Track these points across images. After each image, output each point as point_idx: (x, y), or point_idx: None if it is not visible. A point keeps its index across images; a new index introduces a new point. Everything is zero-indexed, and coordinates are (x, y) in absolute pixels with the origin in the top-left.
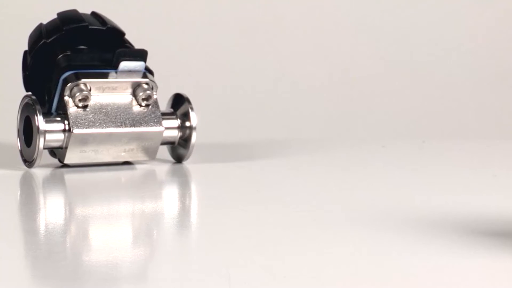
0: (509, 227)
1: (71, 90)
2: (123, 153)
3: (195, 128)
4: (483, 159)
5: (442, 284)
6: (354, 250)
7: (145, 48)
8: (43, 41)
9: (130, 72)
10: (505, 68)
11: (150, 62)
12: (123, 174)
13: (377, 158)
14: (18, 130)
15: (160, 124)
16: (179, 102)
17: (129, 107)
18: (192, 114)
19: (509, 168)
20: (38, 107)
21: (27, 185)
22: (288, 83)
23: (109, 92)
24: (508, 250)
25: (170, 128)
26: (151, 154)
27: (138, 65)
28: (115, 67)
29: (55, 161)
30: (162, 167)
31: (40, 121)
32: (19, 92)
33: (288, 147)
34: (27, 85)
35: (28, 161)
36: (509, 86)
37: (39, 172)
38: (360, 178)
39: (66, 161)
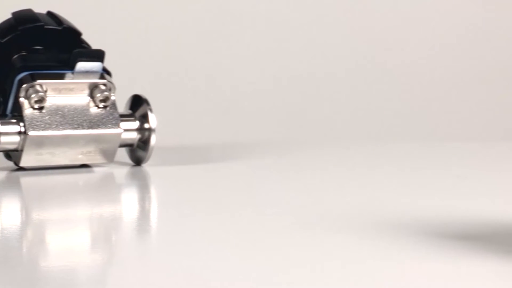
0: (479, 229)
1: (26, 91)
2: (80, 156)
3: (154, 130)
4: (448, 160)
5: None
6: (322, 253)
7: (102, 49)
8: None
9: (87, 73)
10: (479, 69)
11: (108, 63)
12: (80, 177)
13: (343, 160)
14: None
15: (118, 126)
16: (137, 103)
17: (86, 108)
18: (151, 116)
19: (472, 169)
20: None
21: None
22: (248, 85)
23: (65, 93)
24: (477, 252)
25: (128, 130)
26: (109, 156)
27: (95, 65)
28: (71, 67)
29: (11, 164)
30: (121, 170)
31: None
32: None
33: (248, 150)
34: None
35: None
36: (476, 88)
37: None
38: (326, 180)
39: (21, 164)
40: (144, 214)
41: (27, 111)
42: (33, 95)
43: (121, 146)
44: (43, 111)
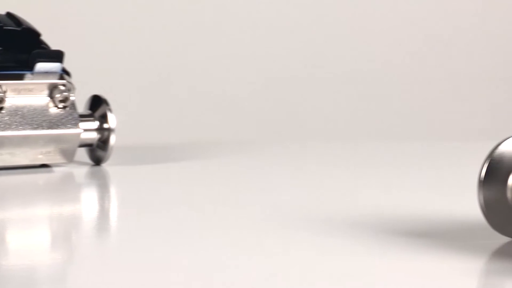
0: (433, 226)
1: None
2: (40, 156)
3: (113, 130)
4: (408, 159)
5: (368, 285)
6: (272, 251)
7: (62, 49)
8: None
9: (46, 73)
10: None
11: (67, 63)
12: (40, 177)
13: (298, 158)
14: None
15: (78, 126)
16: (97, 103)
17: (45, 109)
18: (110, 116)
19: (420, 168)
20: None
21: None
22: (206, 86)
23: (25, 93)
24: (433, 249)
25: (88, 130)
26: (68, 156)
27: (54, 66)
28: (31, 68)
29: None
30: (81, 170)
31: None
32: None
33: (207, 149)
34: None
35: None
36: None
37: None
38: (280, 179)
39: None
40: (103, 213)
41: None
42: None
43: (81, 146)
44: (3, 111)
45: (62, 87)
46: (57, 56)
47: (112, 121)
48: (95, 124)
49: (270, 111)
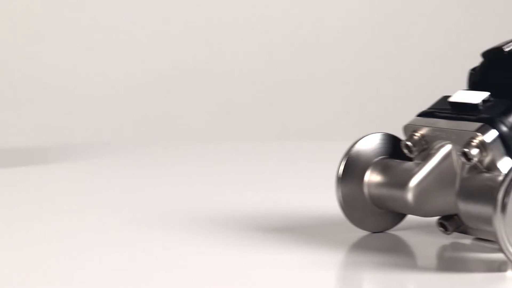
0: (294, 222)
1: None
2: None
3: None
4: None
5: (231, 279)
6: (136, 250)
7: None
8: None
9: None
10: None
11: None
12: None
13: (160, 161)
14: None
15: None
16: None
17: None
18: None
19: (282, 167)
20: None
21: None
22: (91, 86)
23: None
24: (294, 244)
25: None
26: None
27: None
28: None
29: None
30: None
31: None
32: None
33: (83, 151)
34: None
35: None
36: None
37: None
38: (149, 179)
39: None
40: None
41: None
42: None
43: None
44: None
45: None
46: None
47: None
48: None
49: (140, 111)
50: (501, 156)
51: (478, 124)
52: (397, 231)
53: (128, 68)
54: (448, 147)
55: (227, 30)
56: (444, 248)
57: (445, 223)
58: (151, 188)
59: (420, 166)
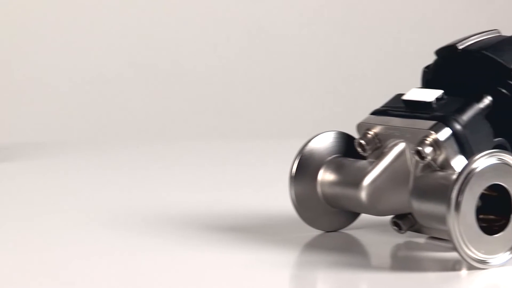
0: (248, 221)
1: None
2: None
3: None
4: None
5: (185, 279)
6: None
7: None
8: None
9: None
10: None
11: None
12: None
13: (99, 162)
14: None
15: None
16: None
17: None
18: None
19: (230, 166)
20: None
21: None
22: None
23: None
24: (248, 243)
25: None
26: None
27: None
28: None
29: None
30: None
31: None
32: None
33: (32, 150)
34: None
35: None
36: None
37: None
38: (93, 180)
39: None
40: None
41: None
42: None
43: None
44: None
45: None
46: None
47: None
48: None
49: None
50: (455, 154)
51: (431, 122)
52: (351, 230)
53: (93, 65)
54: (401, 146)
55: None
56: (398, 247)
57: (399, 222)
58: (101, 188)
59: (373, 164)
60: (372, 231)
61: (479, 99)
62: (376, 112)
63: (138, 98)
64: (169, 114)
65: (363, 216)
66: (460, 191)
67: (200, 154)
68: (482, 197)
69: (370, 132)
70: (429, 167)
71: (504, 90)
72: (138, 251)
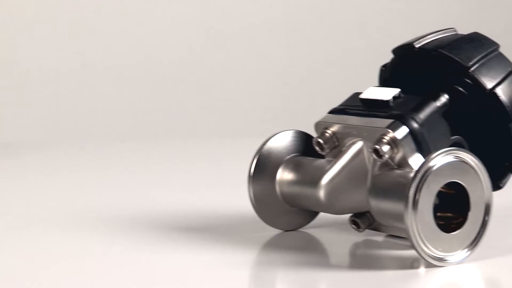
0: (207, 221)
1: None
2: None
3: None
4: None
5: (146, 279)
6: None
7: None
8: None
9: None
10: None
11: None
12: None
13: (75, 160)
14: None
15: None
16: None
17: None
18: None
19: (180, 165)
20: None
21: None
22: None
23: None
24: (207, 243)
25: None
26: None
27: None
28: None
29: None
30: None
31: None
32: None
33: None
34: None
35: None
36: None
37: None
38: (61, 180)
39: None
40: None
41: None
42: None
43: None
44: None
45: None
46: None
47: None
48: None
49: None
50: (412, 153)
51: (389, 121)
52: (310, 229)
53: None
54: (359, 144)
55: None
56: (356, 246)
57: (357, 220)
58: (62, 189)
59: (331, 163)
60: (331, 230)
61: (436, 98)
62: (334, 111)
63: (91, 97)
64: (124, 113)
65: (322, 215)
66: (418, 189)
67: (154, 154)
68: (440, 195)
69: (328, 131)
70: (387, 166)
71: (461, 88)
72: (89, 253)
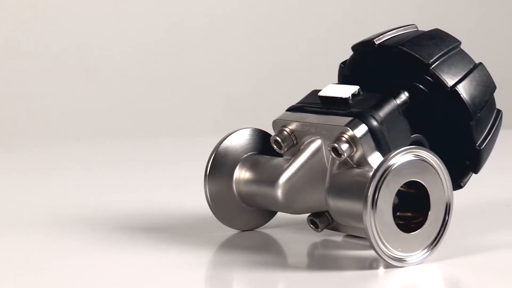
0: (163, 221)
1: None
2: None
3: None
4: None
5: (98, 280)
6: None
7: None
8: None
9: None
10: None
11: None
12: None
13: (30, 160)
14: None
15: None
16: None
17: None
18: None
19: (155, 164)
20: None
21: None
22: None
23: None
24: (163, 244)
25: None
26: None
27: None
28: None
29: None
30: None
31: None
32: None
33: None
34: None
35: None
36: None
37: None
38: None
39: None
40: None
41: None
42: None
43: None
44: None
45: None
46: None
47: None
48: None
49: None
50: (372, 151)
51: (348, 119)
52: (267, 229)
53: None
54: (318, 143)
55: None
56: (314, 246)
57: (316, 220)
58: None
59: (289, 162)
60: (289, 230)
61: (396, 95)
62: (292, 109)
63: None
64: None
65: (280, 215)
66: (377, 188)
67: (111, 153)
68: (399, 194)
69: (286, 129)
70: (346, 164)
71: (421, 86)
72: (51, 253)
